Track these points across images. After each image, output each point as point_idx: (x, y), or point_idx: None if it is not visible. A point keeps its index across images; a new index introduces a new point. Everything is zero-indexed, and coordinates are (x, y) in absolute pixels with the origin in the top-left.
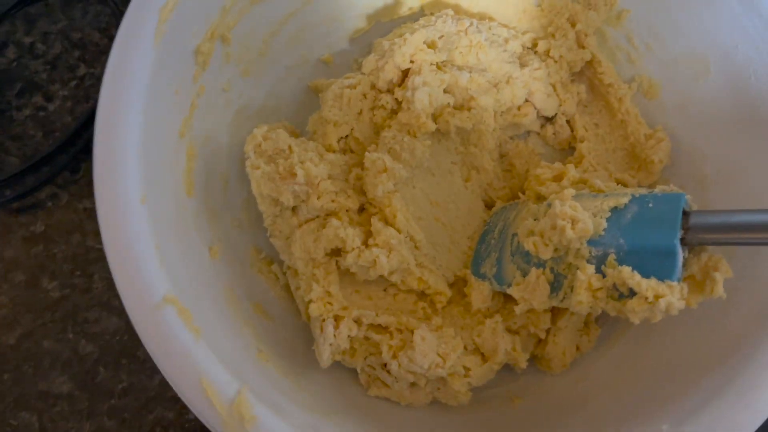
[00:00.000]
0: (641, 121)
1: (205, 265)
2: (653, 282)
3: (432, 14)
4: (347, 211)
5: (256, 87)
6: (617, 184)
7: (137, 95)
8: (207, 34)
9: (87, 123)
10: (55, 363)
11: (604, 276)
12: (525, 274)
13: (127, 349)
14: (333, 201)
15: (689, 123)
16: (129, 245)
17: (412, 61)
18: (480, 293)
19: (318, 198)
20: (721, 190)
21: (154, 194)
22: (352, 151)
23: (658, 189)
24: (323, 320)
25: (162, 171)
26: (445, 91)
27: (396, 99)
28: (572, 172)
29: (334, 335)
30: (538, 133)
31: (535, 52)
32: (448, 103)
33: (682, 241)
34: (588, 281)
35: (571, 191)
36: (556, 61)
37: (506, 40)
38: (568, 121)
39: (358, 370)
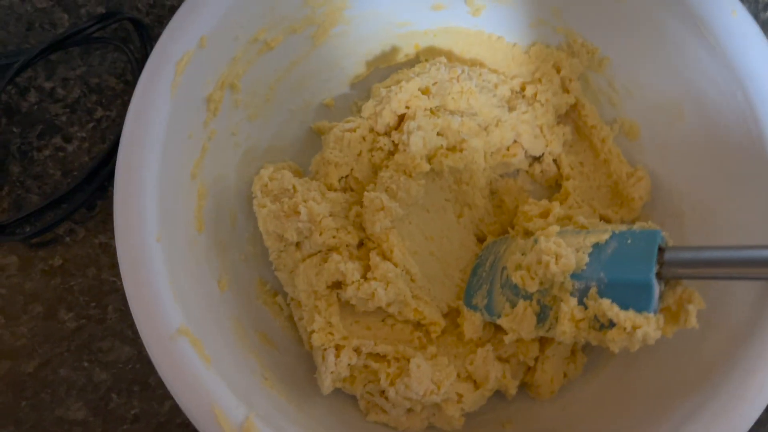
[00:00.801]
0: (623, 160)
1: (215, 297)
2: (631, 314)
3: (427, 60)
4: (347, 246)
5: (262, 130)
6: (600, 220)
7: (155, 142)
8: (218, 83)
9: (103, 163)
10: (70, 390)
11: (586, 308)
12: (513, 305)
13: (138, 377)
14: (334, 237)
15: (667, 163)
16: (146, 282)
17: (407, 107)
18: (472, 323)
19: (320, 234)
20: (697, 226)
21: (168, 232)
22: (352, 190)
23: (638, 226)
24: (325, 349)
25: (175, 210)
26: (438, 134)
27: (393, 141)
28: (557, 209)
29: (335, 364)
30: (527, 171)
31: (523, 96)
32: (441, 145)
33: (658, 275)
34: (571, 313)
35: (556, 228)
36: (542, 105)
37: (496, 85)
38: (554, 160)
39: (358, 397)
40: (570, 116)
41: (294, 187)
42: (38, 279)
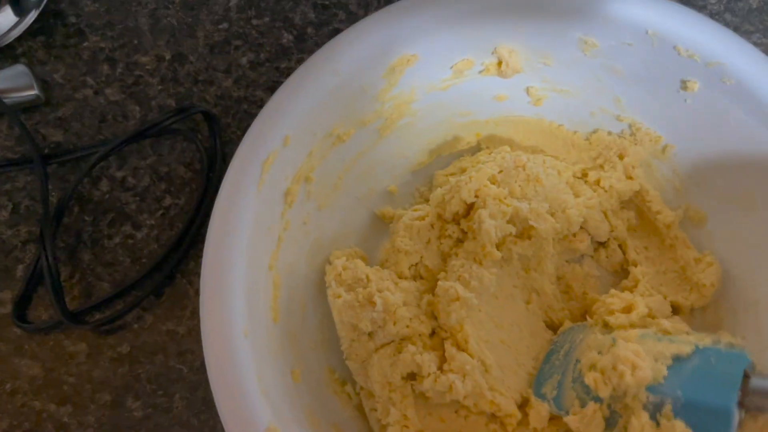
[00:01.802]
0: (690, 245)
1: (290, 389)
2: None
3: (487, 148)
4: (420, 335)
5: (330, 218)
6: (673, 314)
7: (242, 240)
8: (295, 177)
9: (171, 250)
10: None
11: (658, 424)
12: (583, 404)
13: None
14: (407, 327)
15: (738, 250)
16: (235, 378)
17: (476, 196)
18: (538, 413)
19: (394, 324)
20: None
21: (252, 326)
22: (422, 278)
23: (724, 343)
24: None
25: (257, 303)
26: (507, 222)
27: (462, 229)
28: (641, 306)
29: None
30: (592, 257)
31: (585, 182)
32: (511, 233)
33: (740, 403)
34: (642, 428)
35: (637, 332)
36: (606, 191)
37: (559, 172)
38: (620, 246)
39: None
40: (633, 202)
41: (367, 276)
42: (106, 367)
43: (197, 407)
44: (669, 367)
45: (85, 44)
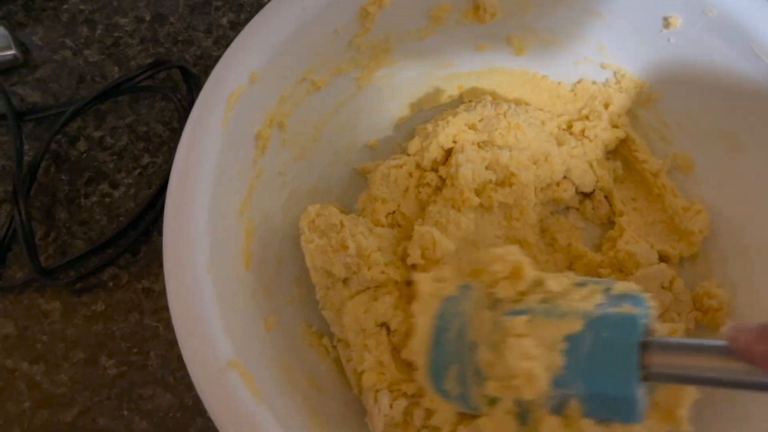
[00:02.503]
0: (678, 194)
1: (261, 336)
2: None
3: (470, 101)
4: (396, 282)
5: (308, 170)
6: (566, 279)
7: (206, 175)
8: (267, 121)
9: (148, 207)
10: None
11: (567, 418)
12: (491, 402)
13: (179, 427)
14: (382, 272)
15: (727, 195)
16: (196, 312)
17: (454, 141)
18: (443, 414)
19: (369, 269)
20: (765, 260)
21: (217, 266)
22: (399, 226)
23: (618, 289)
24: (377, 391)
25: (225, 245)
26: (486, 168)
27: (440, 177)
28: (529, 269)
29: (390, 406)
30: (577, 209)
31: (571, 133)
32: (491, 180)
33: (644, 378)
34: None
35: (524, 318)
36: (591, 140)
37: (543, 122)
38: (606, 197)
39: None
40: (620, 152)
41: (341, 222)
42: (80, 325)
43: (173, 365)
44: (564, 352)
45: (65, 7)
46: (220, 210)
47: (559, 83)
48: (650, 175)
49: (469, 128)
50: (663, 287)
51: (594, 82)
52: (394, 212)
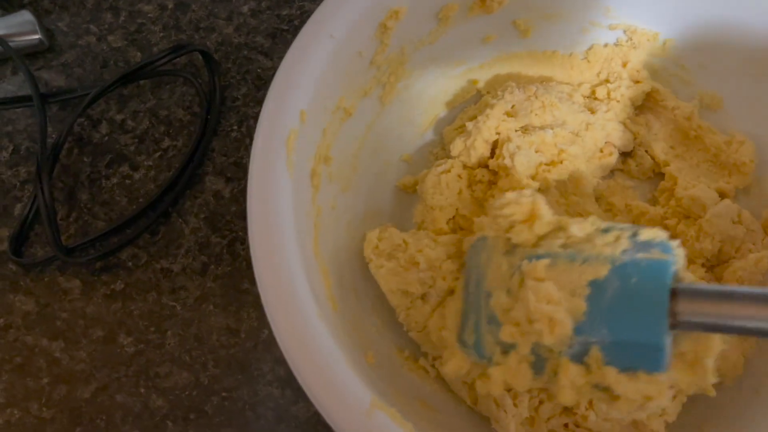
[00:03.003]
0: (715, 131)
1: (369, 372)
2: (641, 385)
3: (488, 93)
4: None
5: (355, 199)
6: (590, 225)
7: (288, 224)
8: (316, 157)
9: (168, 190)
10: (126, 417)
11: (588, 367)
12: (505, 350)
13: (195, 404)
14: (457, 278)
15: (762, 123)
16: (327, 364)
17: (498, 133)
18: (455, 363)
19: (443, 279)
20: None
21: (322, 311)
22: (462, 229)
23: (644, 235)
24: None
25: (315, 291)
26: (535, 152)
27: (492, 170)
28: (546, 211)
29: (515, 404)
30: (621, 170)
31: (596, 98)
32: (541, 162)
33: (672, 326)
34: (570, 381)
35: (545, 262)
36: (618, 101)
37: (569, 95)
38: (646, 151)
39: None
40: (647, 105)
41: (404, 240)
42: (100, 303)
43: (189, 344)
44: (587, 298)
45: None
46: (305, 256)
47: (571, 54)
48: (684, 119)
49: (508, 116)
50: (733, 222)
51: (606, 45)
52: (453, 217)
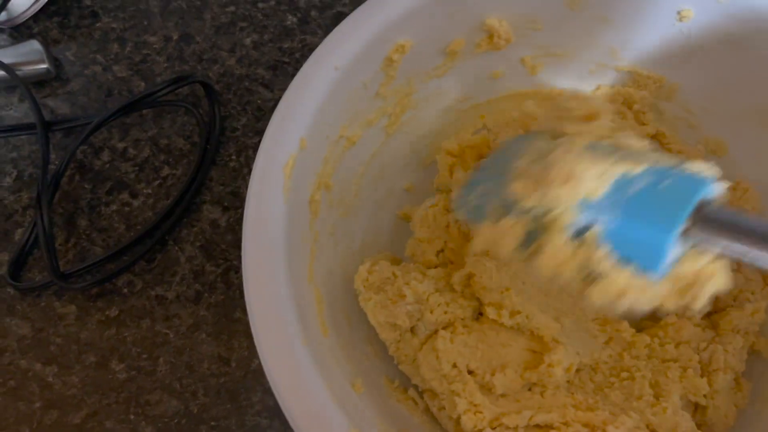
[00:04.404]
0: None
1: (356, 401)
2: (625, 278)
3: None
4: (462, 319)
5: (354, 226)
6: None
7: (279, 248)
8: (316, 185)
9: (165, 218)
10: None
11: (579, 245)
12: (505, 211)
13: None
14: (445, 312)
15: (766, 170)
16: (306, 386)
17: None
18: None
19: (431, 312)
20: None
21: (309, 338)
22: (452, 262)
23: (690, 167)
24: (480, 430)
25: (305, 316)
26: None
27: None
28: (607, 117)
29: None
30: None
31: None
32: None
33: (686, 232)
34: (555, 250)
35: (585, 141)
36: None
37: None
38: None
39: None
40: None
41: (393, 273)
42: (94, 329)
43: (180, 371)
44: (613, 183)
45: (98, 25)
46: (296, 281)
47: (577, 94)
48: None
49: None
50: (732, 270)
51: (612, 86)
52: (442, 250)
